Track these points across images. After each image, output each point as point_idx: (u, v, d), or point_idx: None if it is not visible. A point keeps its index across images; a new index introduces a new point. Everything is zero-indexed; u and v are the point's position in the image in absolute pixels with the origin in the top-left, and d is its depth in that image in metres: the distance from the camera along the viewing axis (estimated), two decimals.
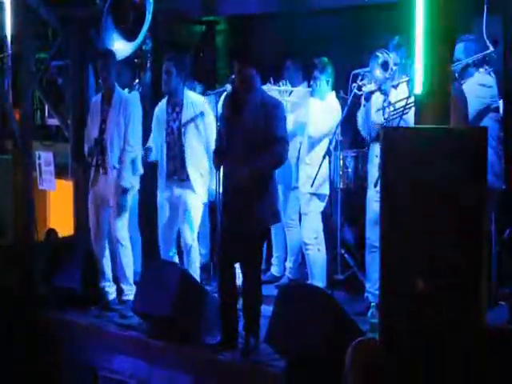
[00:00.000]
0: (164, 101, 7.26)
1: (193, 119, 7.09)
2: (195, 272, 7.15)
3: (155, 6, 7.59)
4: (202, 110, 7.13)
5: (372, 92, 6.72)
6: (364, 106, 6.79)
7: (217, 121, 6.68)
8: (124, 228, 7.29)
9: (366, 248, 6.83)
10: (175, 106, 7.18)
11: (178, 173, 7.17)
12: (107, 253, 7.41)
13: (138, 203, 7.72)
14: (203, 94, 7.74)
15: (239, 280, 6.38)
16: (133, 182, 7.29)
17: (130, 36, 7.78)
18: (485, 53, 6.42)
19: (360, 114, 6.90)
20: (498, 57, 6.62)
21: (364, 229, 6.90)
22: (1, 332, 7.55)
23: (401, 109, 6.22)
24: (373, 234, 6.47)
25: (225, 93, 6.73)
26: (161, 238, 7.34)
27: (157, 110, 7.33)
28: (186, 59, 7.46)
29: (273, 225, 6.73)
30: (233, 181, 6.05)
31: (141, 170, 7.38)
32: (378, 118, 6.62)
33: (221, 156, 6.12)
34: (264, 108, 6.05)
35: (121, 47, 7.68)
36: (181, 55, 7.37)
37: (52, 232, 8.72)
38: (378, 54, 6.56)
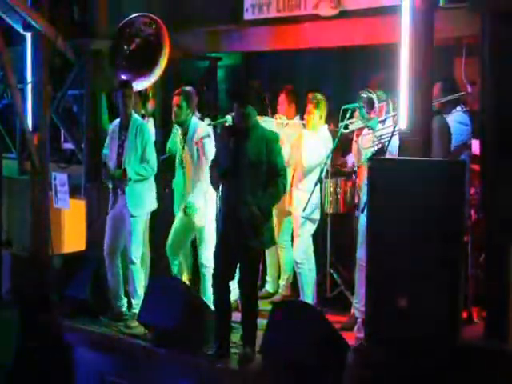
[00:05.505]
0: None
1: (196, 143, 7.29)
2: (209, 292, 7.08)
3: None
4: (205, 136, 7.31)
5: (361, 129, 6.87)
6: (356, 141, 6.96)
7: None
8: (138, 248, 7.43)
9: (356, 266, 6.90)
10: (182, 131, 7.46)
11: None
12: (120, 270, 7.55)
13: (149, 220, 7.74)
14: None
15: (235, 296, 6.71)
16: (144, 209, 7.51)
17: (140, 72, 7.97)
18: (460, 94, 6.76)
19: (353, 150, 7.10)
20: (476, 96, 6.69)
21: (350, 249, 7.06)
22: (16, 335, 7.86)
23: (388, 135, 6.39)
24: (362, 254, 6.51)
25: (224, 123, 7.01)
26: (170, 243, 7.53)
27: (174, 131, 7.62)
28: (193, 93, 7.58)
29: (271, 247, 7.05)
30: (236, 207, 6.27)
31: (155, 205, 7.62)
32: (367, 150, 6.78)
33: (220, 175, 6.34)
34: (265, 142, 6.32)
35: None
36: (189, 90, 7.54)
37: None
38: (362, 94, 6.63)
